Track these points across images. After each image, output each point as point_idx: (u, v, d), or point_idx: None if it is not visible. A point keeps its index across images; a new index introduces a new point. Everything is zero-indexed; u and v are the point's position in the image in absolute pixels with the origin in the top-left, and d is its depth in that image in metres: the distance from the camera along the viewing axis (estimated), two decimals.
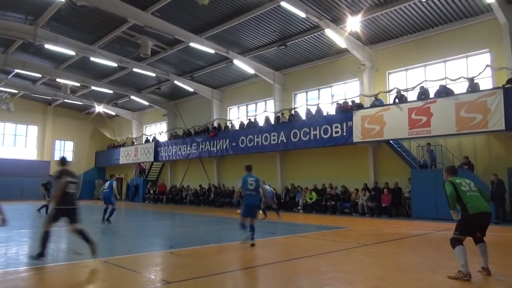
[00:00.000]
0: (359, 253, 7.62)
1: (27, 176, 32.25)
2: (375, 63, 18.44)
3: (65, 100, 31.85)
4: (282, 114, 21.20)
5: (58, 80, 26.17)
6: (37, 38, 19.49)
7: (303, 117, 19.91)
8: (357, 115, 16.74)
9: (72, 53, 21.43)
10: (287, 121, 20.44)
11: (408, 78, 17.72)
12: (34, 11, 18.29)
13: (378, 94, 17.36)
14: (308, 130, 18.50)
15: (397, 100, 16.23)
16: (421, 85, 15.71)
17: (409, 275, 5.65)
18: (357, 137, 16.65)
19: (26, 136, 34.38)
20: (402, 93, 16.47)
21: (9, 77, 26.70)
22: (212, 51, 19.91)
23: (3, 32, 19.12)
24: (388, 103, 16.90)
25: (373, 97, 17.58)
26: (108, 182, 13.52)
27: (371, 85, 18.28)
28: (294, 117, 20.38)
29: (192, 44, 19.21)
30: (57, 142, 35.79)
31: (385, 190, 16.49)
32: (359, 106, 17.48)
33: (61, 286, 5.17)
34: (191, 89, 25.79)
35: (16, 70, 24.67)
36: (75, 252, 7.25)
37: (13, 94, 29.27)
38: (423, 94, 15.34)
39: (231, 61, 21.12)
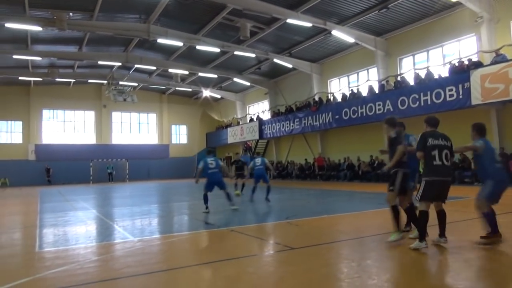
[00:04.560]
0: None
1: (151, 159, 36.58)
2: (495, 13, 16.23)
3: (177, 88, 34.79)
4: (387, 81, 20.15)
5: (170, 70, 28.76)
6: (150, 34, 21.59)
7: (411, 82, 18.69)
8: (476, 75, 15.09)
9: (180, 44, 23.25)
10: (393, 89, 19.40)
11: None
12: (146, 10, 20.21)
13: (501, 49, 15.33)
14: (417, 96, 17.32)
15: None
16: None
17: None
18: (476, 99, 15.07)
19: (148, 123, 38.67)
20: None
21: (130, 72, 30.21)
22: (309, 24, 19.69)
23: (123, 32, 21.60)
24: None
25: (493, 52, 15.60)
26: (260, 158, 12.42)
27: (491, 39, 16.19)
28: (401, 83, 19.24)
29: (289, 20, 19.26)
30: (173, 127, 39.51)
31: None
32: (478, 65, 15.71)
33: (191, 251, 5.98)
34: (290, 66, 25.97)
35: (136, 65, 27.79)
36: (205, 222, 8.19)
37: (134, 87, 33.09)
38: None
39: (329, 32, 20.63)
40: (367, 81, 21.98)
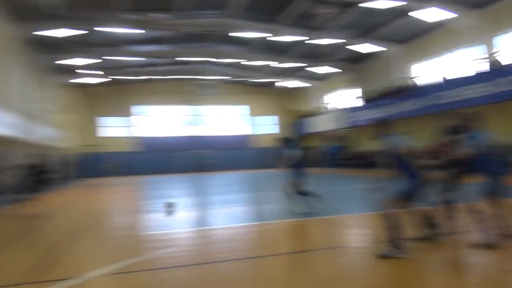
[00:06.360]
0: None
1: (236, 149, 38.32)
2: None
3: (257, 80, 35.50)
4: (486, 61, 18.02)
5: (248, 62, 29.58)
6: (228, 28, 22.39)
7: None
8: None
9: (257, 35, 23.52)
10: (496, 69, 17.16)
11: None
12: (220, 4, 20.65)
13: None
14: None
15: None
16: None
17: None
18: None
19: (231, 115, 40.09)
20: None
21: (212, 66, 31.63)
22: (391, 4, 18.51)
23: (202, 28, 22.74)
24: None
25: None
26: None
27: None
28: (501, 63, 17.11)
29: (367, 4, 18.33)
30: (256, 118, 40.48)
31: None
32: None
33: (285, 237, 6.24)
34: (371, 50, 24.82)
35: (216, 59, 29.13)
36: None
37: (217, 81, 34.71)
38: None
39: (413, 11, 19.09)
40: (461, 61, 19.96)
